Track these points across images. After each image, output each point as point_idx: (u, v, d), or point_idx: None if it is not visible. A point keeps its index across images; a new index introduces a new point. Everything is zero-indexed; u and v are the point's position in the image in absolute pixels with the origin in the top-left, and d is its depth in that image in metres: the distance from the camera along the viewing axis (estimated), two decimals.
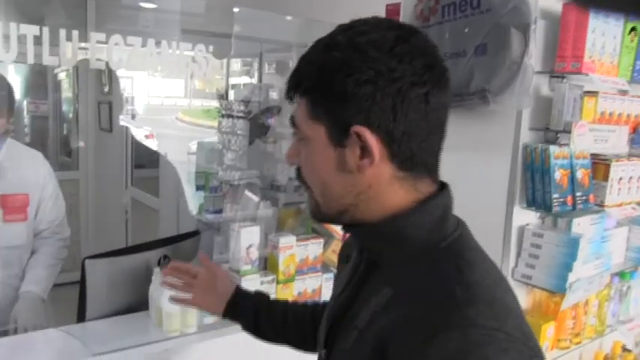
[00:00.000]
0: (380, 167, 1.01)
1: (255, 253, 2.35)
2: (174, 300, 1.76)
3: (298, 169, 1.12)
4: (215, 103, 5.07)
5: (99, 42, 2.14)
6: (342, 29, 1.02)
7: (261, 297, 1.68)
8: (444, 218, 1.05)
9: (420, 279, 1.00)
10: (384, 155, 1.00)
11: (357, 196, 1.05)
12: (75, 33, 2.06)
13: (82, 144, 5.78)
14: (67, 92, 6.16)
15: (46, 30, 2.00)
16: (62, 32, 2.03)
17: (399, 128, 0.98)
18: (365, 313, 1.04)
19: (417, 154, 1.02)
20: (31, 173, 2.57)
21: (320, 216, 1.13)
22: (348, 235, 1.34)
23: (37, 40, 2.02)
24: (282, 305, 1.66)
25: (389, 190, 1.04)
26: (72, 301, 2.34)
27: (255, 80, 5.36)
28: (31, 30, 1.99)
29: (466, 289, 0.95)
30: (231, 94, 5.13)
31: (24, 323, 2.35)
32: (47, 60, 2.03)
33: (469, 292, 0.94)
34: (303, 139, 1.08)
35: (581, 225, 2.29)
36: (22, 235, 2.52)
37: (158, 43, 2.37)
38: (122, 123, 5.42)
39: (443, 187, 1.09)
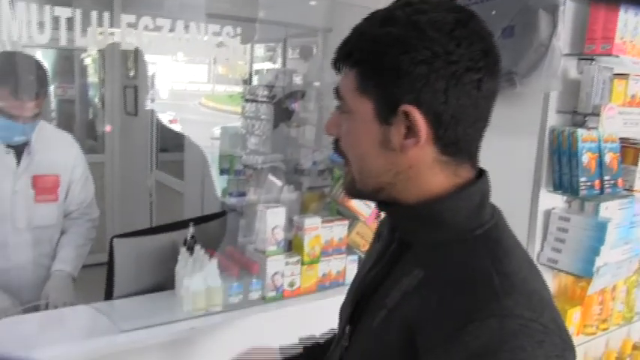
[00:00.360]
0: (423, 149, 1.00)
1: (280, 234, 2.36)
2: None
3: (336, 141, 1.11)
4: (238, 89, 5.09)
5: (129, 25, 2.16)
6: (401, 5, 1.00)
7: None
8: (481, 205, 1.04)
9: (454, 264, 1.00)
10: (429, 137, 0.99)
11: (395, 175, 1.04)
12: (106, 15, 2.09)
13: (108, 127, 5.82)
14: (93, 77, 6.20)
15: (78, 12, 2.02)
16: (94, 14, 2.06)
17: (448, 112, 0.97)
18: (395, 293, 1.04)
19: (462, 140, 1.01)
20: (62, 155, 2.61)
21: (354, 192, 1.12)
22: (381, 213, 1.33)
23: (57, 25, 2.05)
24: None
25: (429, 172, 1.02)
26: (98, 282, 2.38)
27: (278, 66, 5.36)
28: (64, 12, 2.02)
29: (504, 278, 0.94)
30: (255, 80, 5.13)
31: (55, 301, 2.39)
32: (79, 41, 2.06)
33: (507, 281, 0.94)
34: (346, 112, 1.06)
35: (610, 209, 2.27)
36: (52, 216, 2.57)
37: (187, 27, 2.38)
38: (148, 107, 5.46)
39: (481, 173, 1.08)
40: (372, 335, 1.07)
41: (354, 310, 1.17)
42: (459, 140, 1.00)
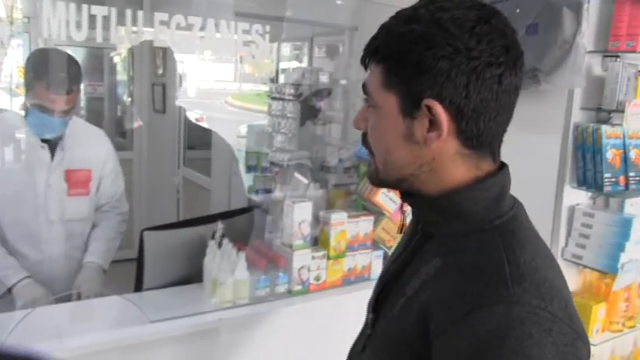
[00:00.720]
0: (446, 142, 1.03)
1: (307, 228, 2.40)
2: None
3: (364, 135, 1.14)
4: (264, 88, 5.12)
5: (161, 22, 2.22)
6: (425, 3, 1.03)
7: None
8: (500, 197, 1.07)
9: (469, 253, 1.03)
10: (451, 130, 1.02)
11: (419, 167, 1.07)
12: (140, 13, 2.15)
13: (138, 123, 5.90)
14: (121, 75, 6.29)
15: (113, 11, 2.09)
16: (128, 13, 2.12)
17: (469, 106, 1.00)
18: (414, 282, 1.08)
19: (484, 133, 1.03)
20: (94, 150, 2.67)
21: (377, 181, 1.15)
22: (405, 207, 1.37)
23: (92, 24, 2.12)
24: None
25: (451, 165, 1.05)
26: (127, 277, 2.46)
27: (305, 64, 5.39)
28: (101, 11, 2.08)
29: (516, 267, 0.97)
30: (281, 78, 5.16)
31: (86, 292, 2.45)
32: (114, 39, 2.13)
33: (518, 270, 0.96)
34: (372, 107, 1.09)
35: (635, 206, 2.28)
36: (84, 209, 2.63)
37: (217, 26, 2.42)
38: (178, 103, 5.53)
39: (502, 166, 1.10)
40: (393, 322, 1.10)
41: (378, 299, 1.21)
42: (480, 134, 1.03)
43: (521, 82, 1.06)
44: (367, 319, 1.26)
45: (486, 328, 0.91)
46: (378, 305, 1.20)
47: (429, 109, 1.01)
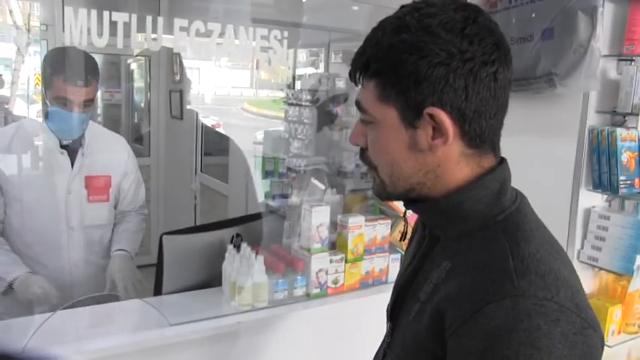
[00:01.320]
0: (451, 146, 1.04)
1: (324, 232, 2.42)
2: None
3: (362, 150, 1.15)
4: (281, 94, 5.16)
5: (181, 29, 2.26)
6: (409, 11, 1.03)
7: None
8: (501, 192, 1.08)
9: (476, 251, 1.04)
10: (455, 134, 1.03)
11: (425, 175, 1.07)
12: (160, 19, 2.19)
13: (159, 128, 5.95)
14: (138, 82, 6.36)
15: (134, 17, 2.14)
16: (148, 19, 2.17)
17: (470, 107, 1.01)
18: (427, 287, 1.09)
19: (486, 131, 1.05)
20: (114, 156, 2.72)
21: (385, 195, 1.15)
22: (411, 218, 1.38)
23: (114, 31, 2.16)
24: None
25: (456, 167, 1.06)
26: (146, 283, 2.52)
27: (321, 70, 5.42)
28: (121, 17, 2.14)
29: (520, 260, 0.98)
30: (298, 85, 5.20)
31: (123, 283, 2.49)
32: (135, 44, 2.18)
33: (523, 263, 0.97)
34: (371, 122, 1.09)
35: None
36: (104, 215, 2.67)
37: (235, 32, 2.46)
38: (189, 107, 5.58)
39: (501, 161, 1.12)
40: (408, 329, 1.12)
41: (394, 308, 1.23)
42: (482, 132, 1.05)
43: (512, 76, 1.07)
44: (387, 328, 1.28)
45: (495, 323, 0.92)
46: (394, 314, 1.22)
47: (432, 116, 1.01)
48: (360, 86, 1.10)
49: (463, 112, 1.01)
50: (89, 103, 2.44)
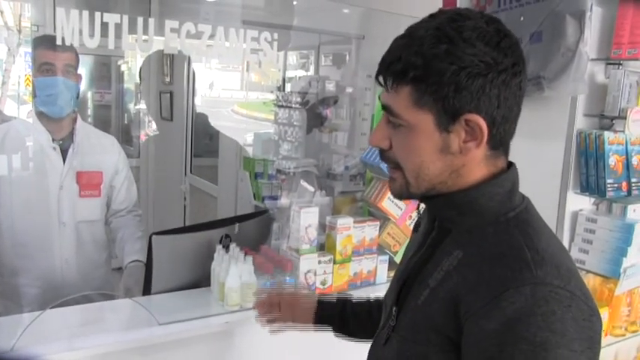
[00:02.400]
0: (479, 149, 1.13)
1: (313, 233, 2.43)
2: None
3: (383, 152, 1.22)
4: (271, 96, 5.17)
5: (172, 30, 2.27)
6: (446, 22, 1.09)
7: (344, 301, 1.78)
8: (512, 191, 1.17)
9: (490, 243, 1.13)
10: (487, 139, 1.12)
11: (450, 175, 1.16)
12: (151, 21, 2.20)
13: (142, 136, 5.95)
14: (128, 83, 6.36)
15: (125, 18, 2.15)
16: (140, 20, 2.18)
17: (500, 114, 1.10)
18: (437, 274, 1.16)
19: (506, 135, 1.16)
20: (105, 154, 2.76)
21: (407, 194, 1.22)
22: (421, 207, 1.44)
23: (105, 32, 2.18)
24: (365, 303, 1.76)
25: (477, 167, 1.15)
26: None
27: (311, 73, 5.43)
28: (113, 18, 2.15)
29: (535, 252, 1.07)
30: (288, 87, 5.21)
31: (134, 293, 2.51)
32: (126, 45, 2.20)
33: (538, 255, 1.06)
34: (400, 126, 1.15)
35: (637, 211, 2.29)
36: (96, 211, 2.71)
37: (226, 34, 2.47)
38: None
39: (510, 164, 1.21)
40: (418, 312, 1.19)
41: (400, 293, 1.29)
42: (505, 136, 1.15)
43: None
44: (387, 313, 1.34)
45: (514, 307, 1.00)
46: (400, 299, 1.28)
47: (467, 122, 1.09)
48: (389, 90, 1.15)
49: (494, 118, 1.10)
50: (71, 69, 2.51)
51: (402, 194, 1.23)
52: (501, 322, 1.01)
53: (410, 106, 1.12)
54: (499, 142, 1.14)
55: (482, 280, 1.07)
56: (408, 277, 1.27)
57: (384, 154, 1.22)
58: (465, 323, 1.07)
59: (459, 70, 1.06)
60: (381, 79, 1.15)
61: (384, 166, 2.53)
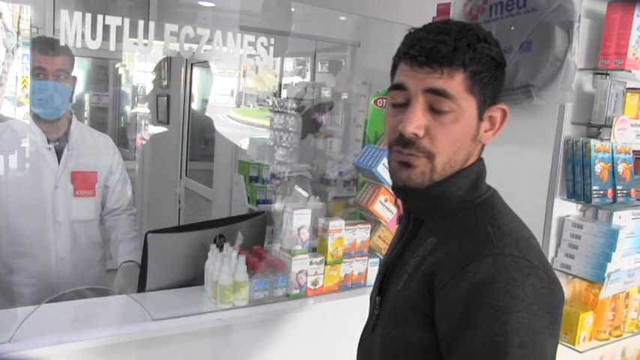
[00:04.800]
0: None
1: (306, 234, 2.47)
2: None
3: (409, 139, 1.22)
4: (263, 104, 5.21)
5: (172, 33, 2.32)
6: (470, 25, 1.25)
7: None
8: (478, 180, 1.29)
9: (459, 225, 1.24)
10: None
11: (462, 162, 1.27)
12: (151, 24, 2.25)
13: (138, 140, 5.98)
14: (126, 86, 6.39)
15: (127, 21, 2.21)
16: (140, 23, 2.23)
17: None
18: (414, 260, 1.27)
19: None
20: (100, 154, 2.80)
21: (428, 180, 1.25)
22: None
23: (106, 35, 2.23)
24: None
25: (473, 157, 1.30)
26: None
27: (307, 80, 5.47)
28: (114, 21, 2.21)
29: (497, 228, 1.18)
30: (284, 93, 5.25)
31: (125, 291, 2.54)
32: (127, 47, 2.25)
33: (499, 230, 1.18)
34: (448, 112, 1.21)
35: (623, 218, 2.34)
36: (90, 210, 2.75)
37: (224, 39, 2.51)
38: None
39: (479, 159, 1.34)
40: (398, 295, 1.28)
41: (382, 284, 1.38)
42: None
43: None
44: (372, 305, 1.42)
45: (478, 277, 1.11)
46: (382, 289, 1.37)
47: (498, 110, 1.27)
48: (442, 75, 1.20)
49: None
50: (64, 73, 2.57)
51: (422, 181, 1.25)
52: (467, 291, 1.11)
53: (463, 91, 1.21)
54: None
55: (451, 255, 1.18)
56: (389, 268, 1.36)
57: (412, 142, 1.22)
58: (437, 296, 1.17)
59: (498, 65, 1.23)
60: (430, 63, 1.19)
61: (375, 170, 2.59)
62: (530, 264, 1.13)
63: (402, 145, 1.23)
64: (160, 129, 5.92)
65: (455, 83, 1.20)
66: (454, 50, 1.19)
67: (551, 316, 1.12)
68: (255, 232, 2.72)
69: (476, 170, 1.29)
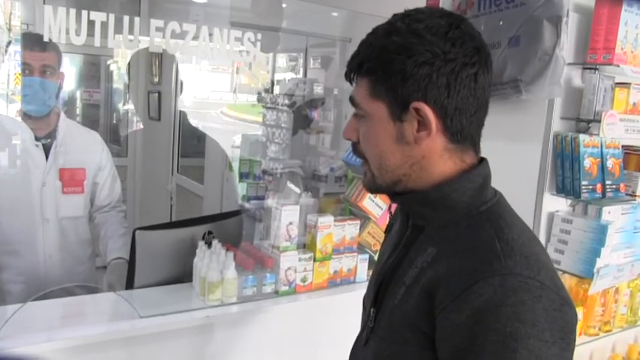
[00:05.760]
0: (434, 139, 1.14)
1: (294, 231, 2.46)
2: None
3: (354, 144, 1.25)
4: (255, 99, 5.20)
5: (157, 29, 2.31)
6: (400, 17, 1.14)
7: None
8: (484, 185, 1.18)
9: (462, 237, 1.14)
10: (438, 128, 1.13)
11: (411, 167, 1.17)
12: (137, 20, 2.24)
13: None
14: (117, 83, 6.39)
15: (112, 17, 2.20)
16: (125, 19, 2.22)
17: (452, 104, 1.12)
18: (412, 272, 1.17)
19: (466, 128, 1.15)
20: (88, 150, 2.79)
21: (375, 187, 1.25)
22: (394, 209, 1.47)
23: (92, 31, 2.21)
24: None
25: (439, 161, 1.17)
26: None
27: (300, 76, 5.46)
28: (99, 16, 2.19)
29: (505, 243, 1.08)
30: (277, 89, 5.25)
31: (115, 288, 2.54)
32: (112, 43, 2.24)
33: (508, 245, 1.07)
34: (363, 117, 1.19)
35: (612, 213, 2.33)
36: (79, 207, 2.74)
37: (210, 35, 2.50)
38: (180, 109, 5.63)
39: (482, 159, 1.22)
40: (395, 311, 1.20)
41: (377, 295, 1.29)
42: (463, 128, 1.15)
43: (492, 79, 1.18)
44: (367, 314, 1.35)
45: (483, 299, 1.01)
46: (377, 300, 1.28)
47: (417, 110, 1.11)
48: (354, 84, 1.20)
49: (445, 108, 1.12)
50: (50, 69, 2.55)
51: (370, 187, 1.26)
52: (471, 315, 1.01)
53: (368, 96, 1.16)
54: (459, 134, 1.15)
55: (453, 273, 1.07)
56: (384, 278, 1.27)
57: (355, 148, 1.25)
58: (437, 317, 1.07)
59: (406, 59, 1.09)
60: (348, 73, 1.20)
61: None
62: (542, 285, 1.03)
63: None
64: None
65: (361, 89, 1.18)
66: (356, 55, 1.17)
67: (563, 342, 1.03)
68: (236, 230, 2.71)
69: (481, 174, 1.18)
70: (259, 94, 5.13)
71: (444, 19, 1.12)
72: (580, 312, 2.41)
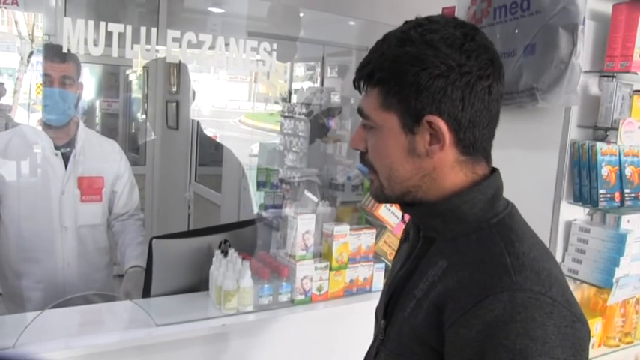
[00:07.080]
0: (446, 152, 1.12)
1: (310, 240, 2.46)
2: None
3: (362, 154, 1.22)
4: (278, 107, 5.22)
5: (174, 39, 2.33)
6: (413, 26, 1.11)
7: None
8: (495, 197, 1.16)
9: (472, 250, 1.11)
10: (451, 141, 1.11)
11: (421, 179, 1.15)
12: (153, 31, 2.28)
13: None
14: (136, 92, 6.44)
15: (129, 28, 2.24)
16: (143, 30, 2.26)
17: (465, 117, 1.10)
18: (423, 284, 1.15)
19: (479, 140, 1.13)
20: (107, 159, 2.83)
21: (382, 197, 1.23)
22: (407, 218, 1.45)
23: (109, 41, 2.26)
24: None
25: (451, 173, 1.14)
26: None
27: (318, 85, 5.48)
28: (116, 28, 2.23)
29: (516, 258, 1.05)
30: (294, 98, 5.26)
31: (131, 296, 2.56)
32: (129, 54, 2.27)
33: (518, 260, 1.05)
34: (372, 128, 1.17)
35: (631, 222, 2.31)
36: (97, 215, 2.77)
37: (227, 45, 2.52)
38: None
39: (493, 170, 1.20)
40: (405, 324, 1.18)
41: (388, 306, 1.28)
42: (476, 141, 1.13)
43: (504, 89, 1.16)
44: (378, 326, 1.34)
45: (493, 314, 0.99)
46: (388, 312, 1.27)
47: (430, 124, 1.09)
48: (363, 93, 1.17)
49: (459, 121, 1.10)
50: (69, 80, 2.59)
51: (378, 197, 1.24)
52: (480, 330, 1.00)
53: (377, 107, 1.14)
54: (471, 146, 1.13)
55: (462, 287, 1.06)
56: (395, 290, 1.26)
57: (363, 158, 1.23)
58: (447, 332, 1.06)
59: (420, 71, 1.07)
60: (357, 82, 1.18)
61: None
62: (553, 301, 1.00)
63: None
64: None
65: (371, 99, 1.15)
66: (367, 64, 1.15)
67: (575, 359, 1.00)
68: (252, 239, 2.72)
69: (492, 185, 1.16)
70: (284, 99, 5.15)
71: (458, 29, 1.10)
72: (599, 323, 2.39)
